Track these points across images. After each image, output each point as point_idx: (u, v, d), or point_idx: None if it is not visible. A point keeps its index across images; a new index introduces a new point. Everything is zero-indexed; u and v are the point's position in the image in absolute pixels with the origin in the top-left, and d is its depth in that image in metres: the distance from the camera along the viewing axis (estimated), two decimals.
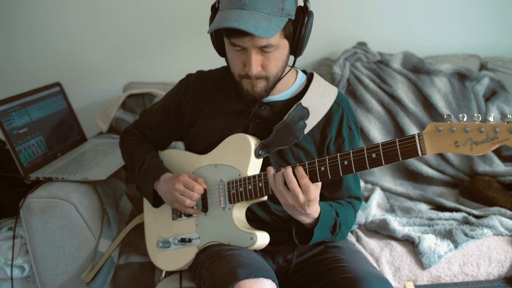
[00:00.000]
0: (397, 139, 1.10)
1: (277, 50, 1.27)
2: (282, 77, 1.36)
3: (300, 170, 1.21)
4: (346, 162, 1.17)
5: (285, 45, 1.29)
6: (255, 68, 1.27)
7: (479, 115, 1.01)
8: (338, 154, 1.19)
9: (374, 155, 1.13)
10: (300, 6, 1.29)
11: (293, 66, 1.38)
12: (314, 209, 1.25)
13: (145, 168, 1.49)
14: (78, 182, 1.73)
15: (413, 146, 1.07)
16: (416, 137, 1.07)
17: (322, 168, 1.21)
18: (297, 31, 1.28)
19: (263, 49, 1.25)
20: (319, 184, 1.24)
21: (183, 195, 1.38)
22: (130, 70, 2.48)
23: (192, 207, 1.42)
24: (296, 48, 1.31)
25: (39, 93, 1.97)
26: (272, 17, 1.21)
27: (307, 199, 1.20)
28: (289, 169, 1.22)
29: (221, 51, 1.37)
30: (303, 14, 1.27)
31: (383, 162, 1.12)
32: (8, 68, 2.51)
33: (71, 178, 1.72)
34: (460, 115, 1.02)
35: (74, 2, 2.42)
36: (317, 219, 1.28)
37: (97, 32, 2.46)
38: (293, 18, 1.27)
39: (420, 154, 1.07)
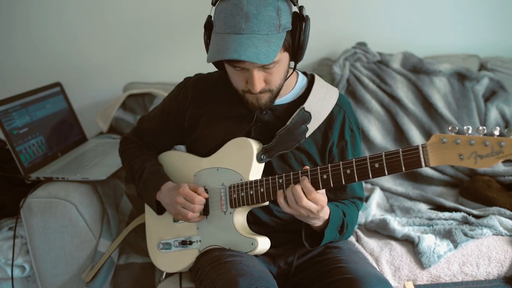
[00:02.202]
0: (400, 149, 1.09)
1: (279, 64, 1.25)
2: (285, 82, 1.34)
3: (307, 185, 1.21)
4: (348, 171, 1.17)
5: (286, 57, 1.27)
6: (258, 86, 1.25)
7: (484, 127, 0.99)
8: (341, 162, 1.18)
9: (377, 165, 1.12)
10: (295, 13, 1.26)
11: (294, 69, 1.35)
12: (325, 211, 1.26)
13: (145, 177, 1.49)
14: (78, 182, 1.73)
15: (417, 157, 1.06)
16: (420, 148, 1.06)
17: (325, 176, 1.20)
18: (295, 39, 1.25)
19: (264, 66, 1.23)
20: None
21: (184, 208, 1.38)
22: (130, 70, 2.48)
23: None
24: (297, 55, 1.27)
25: (40, 93, 1.98)
26: (270, 36, 1.18)
27: (320, 206, 1.22)
28: (297, 187, 1.21)
29: (220, 67, 1.36)
30: (300, 22, 1.24)
31: (386, 172, 1.11)
32: (8, 68, 2.51)
33: (72, 178, 1.73)
34: (465, 127, 1.01)
35: (74, 2, 2.42)
36: (327, 220, 1.29)
37: (98, 32, 2.46)
38: (290, 29, 1.24)
39: (423, 166, 1.06)
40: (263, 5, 1.18)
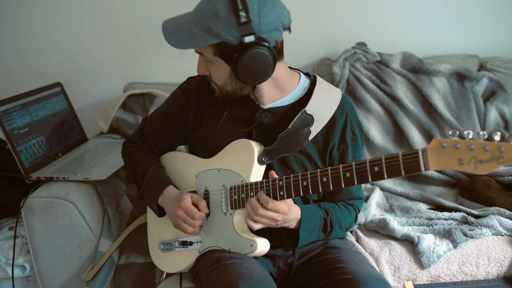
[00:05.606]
0: (400, 153, 1.08)
1: (213, 64, 1.30)
2: (247, 93, 1.35)
3: (263, 197, 1.26)
4: (348, 174, 1.16)
5: (221, 64, 1.28)
6: (198, 68, 1.36)
7: (484, 132, 0.99)
8: (341, 165, 1.18)
9: (376, 169, 1.11)
10: (243, 43, 1.21)
11: (254, 89, 1.34)
12: (294, 215, 1.30)
13: (146, 180, 1.49)
14: (78, 182, 1.73)
15: (416, 161, 1.05)
16: (420, 152, 1.05)
17: (324, 179, 1.20)
18: (235, 59, 1.23)
19: (203, 57, 1.31)
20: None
21: (185, 222, 1.39)
22: (130, 70, 2.48)
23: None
24: (237, 77, 1.26)
25: (40, 93, 1.98)
26: (200, 32, 1.24)
27: (282, 214, 1.26)
28: (253, 200, 1.27)
29: None
30: (240, 49, 1.21)
31: (385, 176, 1.10)
32: (9, 68, 2.51)
33: (72, 178, 1.73)
34: (465, 132, 1.00)
35: (74, 2, 2.42)
36: (300, 221, 1.32)
37: (98, 33, 2.46)
38: (233, 43, 1.22)
39: (423, 170, 1.05)
40: (213, 2, 1.22)
